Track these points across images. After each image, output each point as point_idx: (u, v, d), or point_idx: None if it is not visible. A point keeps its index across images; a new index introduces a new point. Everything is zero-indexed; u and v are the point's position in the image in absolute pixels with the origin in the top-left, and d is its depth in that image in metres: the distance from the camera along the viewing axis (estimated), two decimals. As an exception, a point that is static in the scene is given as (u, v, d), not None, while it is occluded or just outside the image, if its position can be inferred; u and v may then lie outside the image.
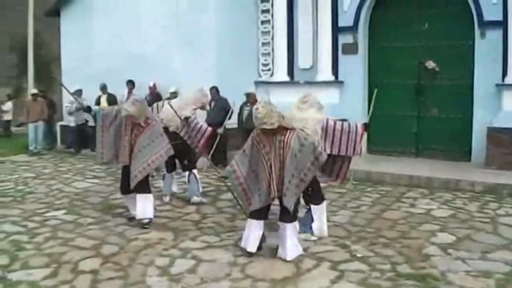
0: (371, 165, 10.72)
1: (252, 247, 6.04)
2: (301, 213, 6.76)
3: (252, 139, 6.12)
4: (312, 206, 6.70)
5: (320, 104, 6.75)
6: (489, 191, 8.97)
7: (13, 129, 20.11)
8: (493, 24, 10.45)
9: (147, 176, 7.49)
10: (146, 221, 7.31)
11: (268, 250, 6.17)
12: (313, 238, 6.59)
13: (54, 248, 6.45)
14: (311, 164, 5.81)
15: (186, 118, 8.18)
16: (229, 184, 6.81)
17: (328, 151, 6.47)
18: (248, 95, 11.34)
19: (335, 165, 6.77)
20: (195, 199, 8.53)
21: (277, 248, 6.04)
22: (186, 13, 12.89)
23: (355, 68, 11.90)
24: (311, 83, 12.08)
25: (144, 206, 7.30)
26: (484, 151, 10.35)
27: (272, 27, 12.82)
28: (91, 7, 14.71)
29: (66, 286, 5.35)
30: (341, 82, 11.98)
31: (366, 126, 6.76)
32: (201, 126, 8.31)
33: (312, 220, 6.67)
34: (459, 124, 11.20)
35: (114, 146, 7.53)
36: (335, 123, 6.65)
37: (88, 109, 8.10)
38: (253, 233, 6.04)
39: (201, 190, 8.74)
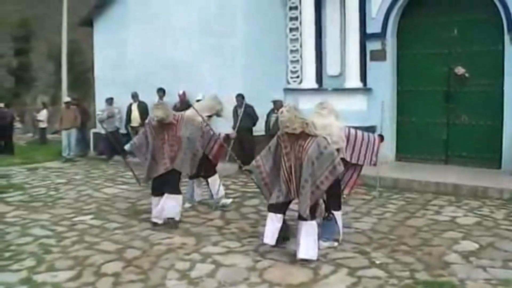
0: (399, 172, 10.67)
1: (269, 239, 6.21)
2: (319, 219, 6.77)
3: (277, 138, 6.32)
4: (335, 213, 6.69)
5: (337, 111, 6.81)
6: (518, 198, 8.82)
7: (49, 136, 20.59)
8: (523, 29, 10.31)
9: (179, 177, 7.90)
10: (173, 220, 7.63)
11: (288, 255, 6.21)
12: (336, 244, 6.60)
13: (79, 252, 6.61)
14: (329, 173, 5.94)
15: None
16: (253, 178, 7.09)
17: (348, 159, 6.61)
18: (275, 102, 11.41)
19: (345, 174, 6.76)
20: (216, 204, 8.65)
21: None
22: (215, 22, 13.08)
23: (384, 75, 11.84)
24: (339, 90, 12.09)
25: (173, 206, 7.63)
26: (515, 158, 10.19)
27: (301, 34, 12.84)
28: (123, 17, 15.03)
29: (88, 288, 5.49)
30: (369, 89, 11.92)
31: (382, 137, 6.99)
32: (213, 133, 8.42)
33: (337, 226, 6.67)
34: (489, 131, 11.04)
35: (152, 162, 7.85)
36: (356, 132, 6.76)
37: (124, 152, 8.80)
38: (270, 225, 6.24)
39: (220, 194, 8.71)
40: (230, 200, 8.89)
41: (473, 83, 11.23)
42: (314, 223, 6.15)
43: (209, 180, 8.65)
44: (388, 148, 11.90)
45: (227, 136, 8.80)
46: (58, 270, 6.01)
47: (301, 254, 6.00)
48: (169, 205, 7.61)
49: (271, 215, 6.30)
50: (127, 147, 8.32)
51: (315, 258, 6.03)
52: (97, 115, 14.97)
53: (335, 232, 6.67)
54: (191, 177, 8.73)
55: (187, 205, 8.78)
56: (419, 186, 9.81)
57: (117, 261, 6.24)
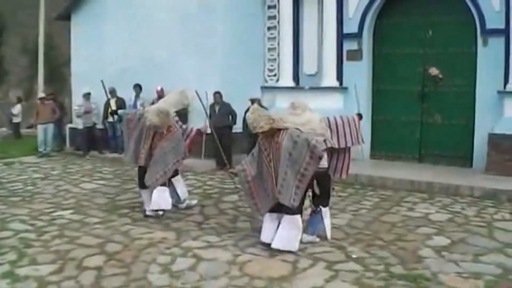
0: (373, 169, 10.91)
1: (265, 237, 6.45)
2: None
3: (258, 144, 6.58)
4: (323, 209, 6.84)
5: (307, 105, 6.98)
6: (488, 196, 9.08)
7: (23, 131, 20.39)
8: (496, 32, 10.57)
9: None
10: (161, 212, 7.85)
11: (267, 250, 6.36)
12: (317, 240, 6.76)
13: (60, 246, 6.67)
14: (309, 157, 6.06)
15: None
16: (235, 182, 7.31)
17: (336, 145, 6.79)
18: (253, 100, 11.53)
19: (337, 161, 6.99)
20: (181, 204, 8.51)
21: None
22: (195, 18, 13.13)
23: (359, 74, 12.03)
24: (315, 89, 12.28)
25: (159, 197, 7.78)
26: (485, 157, 10.46)
27: (278, 33, 13.00)
28: (102, 12, 14.95)
29: (71, 281, 5.56)
30: (346, 88, 12.12)
31: (360, 116, 7.16)
32: (186, 128, 8.48)
33: (322, 222, 6.82)
34: (461, 131, 11.34)
35: (135, 148, 8.01)
36: (335, 118, 6.93)
37: (114, 112, 8.60)
38: (266, 224, 6.51)
39: (185, 195, 8.59)
40: (195, 201, 8.79)
41: (446, 83, 11.50)
42: (298, 216, 6.34)
43: (173, 180, 8.33)
44: (363, 146, 12.13)
45: (199, 131, 8.63)
46: (40, 264, 6.07)
47: (273, 245, 6.25)
48: (164, 197, 7.79)
49: (265, 215, 6.55)
50: (121, 111, 8.47)
51: (295, 249, 6.24)
52: (74, 110, 14.92)
53: (320, 228, 6.82)
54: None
55: (194, 202, 8.74)
56: (394, 184, 10.03)
57: (99, 255, 6.32)
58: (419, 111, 11.86)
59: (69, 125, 15.83)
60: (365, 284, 5.36)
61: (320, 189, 6.76)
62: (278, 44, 13.05)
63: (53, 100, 16.00)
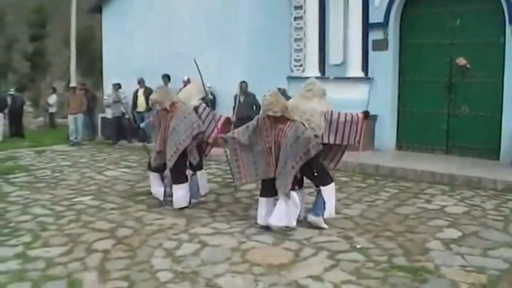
0: (397, 161, 10.78)
1: (261, 221, 6.65)
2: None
3: (257, 120, 6.73)
4: (321, 188, 6.78)
5: (324, 92, 6.97)
6: (511, 190, 8.85)
7: (60, 120, 20.90)
8: (525, 21, 10.30)
9: (184, 166, 7.92)
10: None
11: (274, 238, 6.40)
12: (325, 226, 6.74)
13: (74, 230, 6.86)
14: (303, 154, 6.37)
15: (195, 108, 8.10)
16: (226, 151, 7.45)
17: (332, 141, 6.84)
18: (279, 90, 11.49)
19: (329, 152, 7.05)
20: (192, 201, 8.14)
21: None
22: (220, 10, 13.19)
23: (385, 64, 11.90)
24: (340, 79, 12.18)
25: (180, 196, 7.79)
26: (512, 150, 10.23)
27: (305, 23, 12.93)
28: (131, 5, 15.20)
29: (77, 263, 5.73)
30: (371, 79, 11.98)
31: (366, 114, 6.98)
32: (214, 115, 8.23)
33: (324, 203, 6.74)
34: (489, 123, 11.06)
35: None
36: (339, 115, 6.86)
37: (138, 127, 9.10)
38: (261, 209, 6.71)
39: (204, 192, 8.40)
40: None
41: (474, 74, 11.24)
42: (294, 193, 6.52)
43: (198, 173, 8.15)
44: (388, 137, 12.02)
45: (228, 120, 8.57)
46: (51, 246, 6.26)
47: (269, 222, 6.49)
48: (177, 195, 7.79)
49: (261, 200, 6.73)
50: (142, 125, 8.53)
51: (291, 226, 6.48)
52: (104, 100, 15.21)
53: (322, 207, 6.73)
54: (194, 169, 8.14)
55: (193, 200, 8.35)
56: (415, 175, 9.87)
57: (109, 239, 6.47)
58: (446, 102, 11.63)
59: (101, 115, 16.14)
60: (363, 274, 5.32)
61: (314, 170, 6.73)
62: (304, 34, 12.98)
63: (85, 90, 16.33)
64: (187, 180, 7.89)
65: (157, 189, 8.15)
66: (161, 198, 8.09)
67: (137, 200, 8.41)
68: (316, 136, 6.55)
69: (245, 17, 13.04)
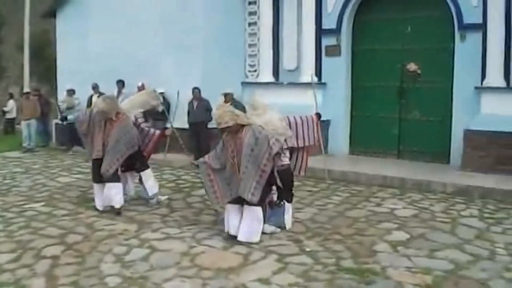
0: (349, 165, 10.94)
1: (229, 229, 6.56)
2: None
3: (222, 140, 6.69)
4: (286, 204, 6.94)
5: (267, 104, 7.07)
6: (460, 193, 9.05)
7: (17, 126, 20.47)
8: (473, 27, 10.59)
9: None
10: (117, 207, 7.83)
11: (224, 242, 6.45)
12: (278, 230, 6.84)
13: (23, 236, 6.79)
14: (268, 154, 6.29)
15: (135, 118, 8.29)
16: (198, 173, 7.42)
17: (296, 145, 6.96)
18: (226, 94, 11.55)
19: (297, 160, 7.19)
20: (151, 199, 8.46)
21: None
22: (175, 15, 13.15)
23: (338, 70, 12.08)
24: (294, 84, 12.29)
25: (114, 194, 7.83)
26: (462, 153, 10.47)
27: (259, 29, 13.03)
28: (86, 9, 15.00)
29: (26, 269, 5.67)
30: (324, 84, 12.14)
31: (318, 115, 7.26)
32: (148, 130, 8.46)
33: (283, 216, 6.91)
34: (439, 127, 11.34)
35: (91, 143, 8.07)
36: (295, 118, 7.06)
37: (64, 119, 8.70)
38: (230, 216, 6.59)
39: (154, 191, 8.51)
40: (165, 197, 8.75)
41: (425, 79, 11.51)
42: (259, 208, 6.45)
43: (142, 174, 8.40)
44: (342, 142, 12.18)
45: (163, 133, 8.73)
46: (0, 252, 6.17)
47: (239, 237, 6.34)
48: (110, 194, 7.82)
49: (227, 206, 6.65)
50: (70, 117, 8.46)
51: (256, 240, 6.37)
52: (57, 106, 15.00)
53: (281, 221, 6.90)
54: (124, 170, 8.42)
55: (163, 198, 8.63)
56: (367, 179, 10.04)
57: (58, 245, 6.42)
58: (398, 107, 11.87)
59: (55, 121, 15.88)
60: (311, 277, 5.39)
61: (283, 185, 6.87)
62: (259, 40, 13.08)
63: (38, 96, 16.05)
64: (120, 181, 8.02)
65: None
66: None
67: (88, 206, 8.33)
68: (285, 140, 6.64)
69: (200, 22, 13.01)
